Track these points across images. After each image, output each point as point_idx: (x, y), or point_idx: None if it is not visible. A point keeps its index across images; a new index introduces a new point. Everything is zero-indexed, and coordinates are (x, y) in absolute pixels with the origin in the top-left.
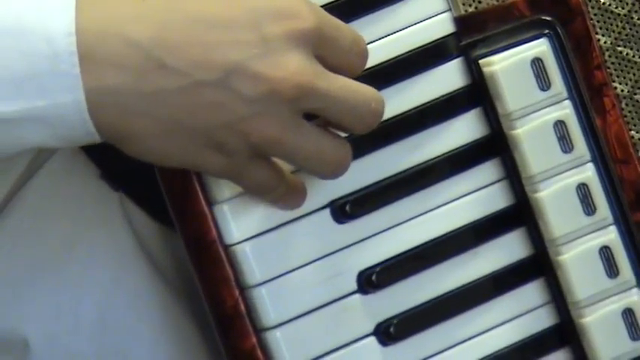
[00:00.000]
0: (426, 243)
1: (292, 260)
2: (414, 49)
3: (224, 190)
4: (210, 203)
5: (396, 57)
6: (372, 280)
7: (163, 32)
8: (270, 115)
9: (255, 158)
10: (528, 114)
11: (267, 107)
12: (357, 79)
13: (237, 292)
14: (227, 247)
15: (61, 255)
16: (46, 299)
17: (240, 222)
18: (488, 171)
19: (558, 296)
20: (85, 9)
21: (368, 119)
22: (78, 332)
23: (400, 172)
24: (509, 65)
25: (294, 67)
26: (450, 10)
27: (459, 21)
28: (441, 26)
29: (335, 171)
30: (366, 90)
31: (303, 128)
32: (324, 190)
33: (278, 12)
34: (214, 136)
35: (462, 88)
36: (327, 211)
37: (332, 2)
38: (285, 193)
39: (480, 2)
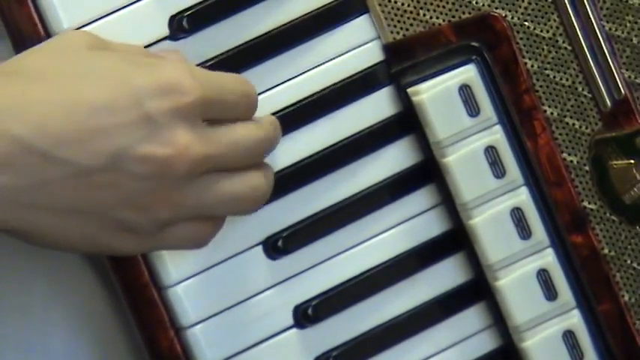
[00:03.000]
0: (363, 273)
1: (226, 299)
2: (344, 79)
3: None
4: None
5: (327, 88)
6: (308, 314)
7: (45, 123)
8: (167, 188)
9: (168, 226)
10: (458, 141)
11: (162, 182)
12: (294, 110)
13: (172, 333)
14: (161, 290)
15: (22, 292)
16: (15, 337)
17: (176, 264)
18: (424, 197)
19: (499, 320)
20: None
21: (266, 151)
22: None
23: (334, 204)
24: (437, 93)
25: (184, 142)
26: (378, 38)
27: (387, 49)
28: (370, 55)
29: (256, 205)
30: (254, 130)
31: (207, 185)
32: (256, 228)
33: (160, 89)
34: (113, 216)
35: (393, 115)
36: (260, 248)
37: (260, 36)
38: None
39: (407, 30)
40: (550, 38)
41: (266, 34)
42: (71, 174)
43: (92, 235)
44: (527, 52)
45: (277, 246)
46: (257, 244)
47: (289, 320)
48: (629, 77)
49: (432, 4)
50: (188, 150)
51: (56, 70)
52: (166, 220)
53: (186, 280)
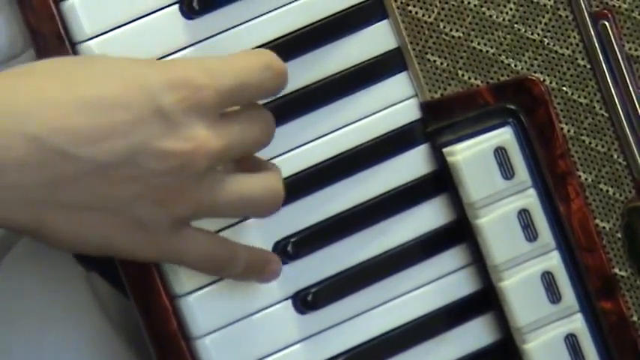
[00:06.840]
0: (391, 330)
1: (254, 352)
2: (380, 136)
3: (185, 283)
4: (173, 296)
5: (363, 144)
6: None
7: (62, 121)
8: (184, 183)
9: (183, 229)
10: (492, 203)
11: (181, 178)
12: (330, 166)
13: None
14: (189, 340)
15: (35, 336)
16: None
17: (204, 315)
18: (456, 256)
19: None
20: None
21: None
22: None
23: (365, 261)
24: (472, 155)
25: (201, 137)
26: (415, 95)
27: (425, 107)
28: (407, 112)
29: (271, 208)
30: (265, 118)
31: (223, 182)
32: (287, 282)
33: (172, 84)
34: (130, 213)
35: (428, 174)
36: (289, 303)
37: (297, 91)
38: (247, 267)
39: (445, 89)
40: (587, 104)
41: (304, 88)
42: (87, 171)
43: (107, 234)
44: (563, 117)
45: (307, 300)
46: (286, 299)
47: None
48: None
49: (470, 64)
50: (207, 144)
51: (69, 69)
52: (182, 217)
53: (215, 332)
